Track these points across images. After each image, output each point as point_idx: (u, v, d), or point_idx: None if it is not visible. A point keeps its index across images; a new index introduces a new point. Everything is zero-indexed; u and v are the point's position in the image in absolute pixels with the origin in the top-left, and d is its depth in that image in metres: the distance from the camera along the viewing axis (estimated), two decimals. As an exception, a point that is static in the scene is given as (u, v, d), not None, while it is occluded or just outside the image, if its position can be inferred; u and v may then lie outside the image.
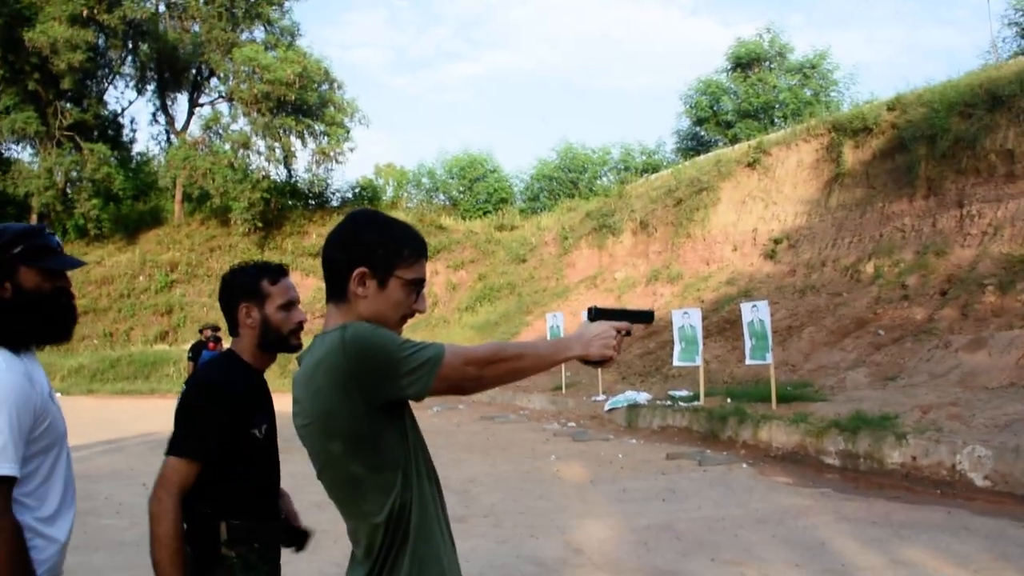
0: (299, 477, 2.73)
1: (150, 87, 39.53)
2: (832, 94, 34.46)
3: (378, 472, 1.73)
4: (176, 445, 2.28)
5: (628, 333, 1.98)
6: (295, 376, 1.84)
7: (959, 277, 13.16)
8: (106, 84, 38.73)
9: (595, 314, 1.98)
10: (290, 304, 2.49)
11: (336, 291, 1.83)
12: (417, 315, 1.93)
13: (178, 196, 36.16)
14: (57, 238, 2.21)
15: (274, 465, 2.51)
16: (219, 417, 2.30)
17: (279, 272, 2.53)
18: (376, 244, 1.81)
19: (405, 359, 1.68)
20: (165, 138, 40.87)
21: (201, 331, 13.59)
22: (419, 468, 1.80)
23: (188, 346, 17.00)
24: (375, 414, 1.71)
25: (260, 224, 33.51)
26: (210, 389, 2.40)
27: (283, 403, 2.56)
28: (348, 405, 1.69)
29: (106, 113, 38.61)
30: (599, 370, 15.82)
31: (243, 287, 2.48)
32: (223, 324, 2.63)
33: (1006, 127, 14.29)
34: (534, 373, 1.88)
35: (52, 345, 2.20)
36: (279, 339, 2.47)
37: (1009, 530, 6.17)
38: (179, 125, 39.69)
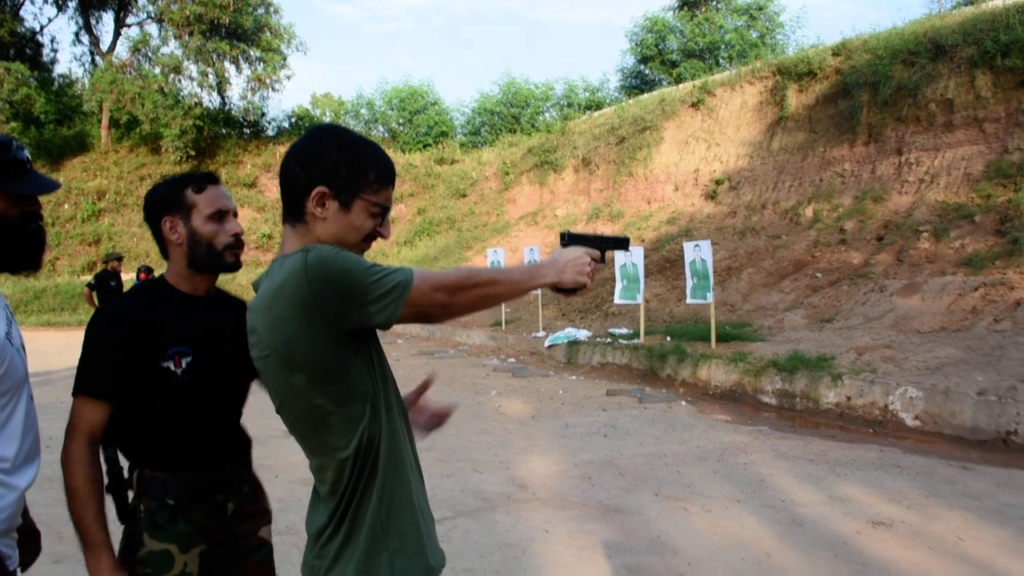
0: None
1: (71, 4, 37.54)
2: (778, 37, 34.52)
3: (345, 405, 1.61)
4: (79, 383, 1.99)
5: (602, 260, 1.88)
6: (251, 304, 1.69)
7: (895, 223, 13.41)
8: (21, -2, 36.65)
9: (568, 239, 1.88)
10: (221, 213, 2.12)
11: (293, 210, 1.69)
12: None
13: (104, 121, 34.62)
14: (26, 151, 1.84)
15: (205, 406, 2.12)
16: (118, 349, 1.98)
17: (206, 179, 2.15)
18: (340, 163, 1.66)
19: (372, 284, 1.55)
20: (90, 60, 39.10)
21: (106, 261, 12.85)
22: (388, 400, 1.68)
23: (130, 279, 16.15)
24: (340, 343, 1.58)
25: (192, 152, 32.50)
26: (107, 317, 2.06)
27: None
28: (311, 334, 1.56)
29: (23, 30, 36.50)
30: (550, 301, 15.85)
31: (164, 200, 2.11)
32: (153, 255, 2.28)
33: (947, 77, 14.46)
34: (506, 300, 1.78)
35: (18, 275, 1.90)
36: (211, 255, 2.11)
37: (938, 468, 6.37)
38: (105, 46, 37.88)
